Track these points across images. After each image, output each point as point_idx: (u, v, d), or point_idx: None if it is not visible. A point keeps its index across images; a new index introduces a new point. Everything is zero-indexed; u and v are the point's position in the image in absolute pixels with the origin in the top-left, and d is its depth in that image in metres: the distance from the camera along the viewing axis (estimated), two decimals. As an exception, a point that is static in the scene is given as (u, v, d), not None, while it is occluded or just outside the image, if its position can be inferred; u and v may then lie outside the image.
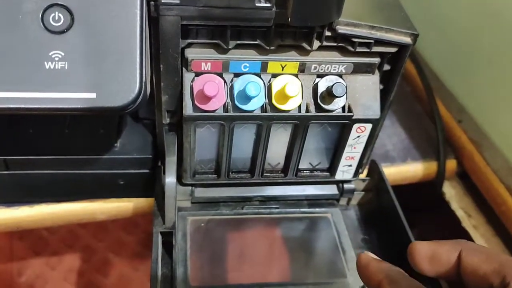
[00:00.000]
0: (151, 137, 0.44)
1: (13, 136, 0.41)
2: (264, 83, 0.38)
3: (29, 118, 0.42)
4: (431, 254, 0.31)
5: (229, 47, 0.36)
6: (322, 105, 0.39)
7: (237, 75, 0.38)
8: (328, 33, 0.36)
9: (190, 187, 0.44)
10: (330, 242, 0.43)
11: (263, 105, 0.38)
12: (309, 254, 0.42)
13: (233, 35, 0.36)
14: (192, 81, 0.37)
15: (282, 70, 0.38)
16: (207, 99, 0.37)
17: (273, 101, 0.38)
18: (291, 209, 0.45)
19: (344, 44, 0.37)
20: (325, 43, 0.37)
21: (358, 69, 0.39)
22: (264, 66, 0.37)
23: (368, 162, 0.46)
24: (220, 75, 0.37)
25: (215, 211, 0.44)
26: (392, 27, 0.37)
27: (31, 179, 0.42)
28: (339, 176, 0.44)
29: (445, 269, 0.30)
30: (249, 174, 0.43)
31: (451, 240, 0.31)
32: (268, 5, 0.33)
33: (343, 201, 0.47)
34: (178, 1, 0.32)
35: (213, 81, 0.36)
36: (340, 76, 0.39)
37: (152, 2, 0.32)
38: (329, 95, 0.38)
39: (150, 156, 0.42)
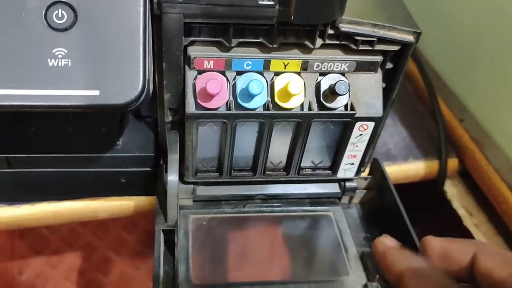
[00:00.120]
0: (153, 135, 0.44)
1: (15, 134, 0.41)
2: (266, 81, 0.38)
3: (31, 116, 0.42)
4: (444, 251, 0.30)
5: (232, 45, 0.36)
6: (325, 103, 0.38)
7: (239, 73, 0.38)
8: (330, 31, 0.36)
9: (192, 186, 0.44)
10: (332, 241, 0.43)
11: (265, 103, 0.38)
12: (311, 252, 0.42)
13: (236, 33, 0.36)
14: (194, 79, 0.37)
15: (285, 68, 0.38)
16: (210, 97, 0.37)
17: (276, 99, 0.38)
18: (293, 207, 0.45)
19: (346, 42, 0.37)
20: (327, 41, 0.37)
21: (361, 67, 0.39)
22: (266, 64, 0.37)
23: (370, 160, 0.46)
24: (223, 73, 0.37)
25: (217, 210, 0.44)
26: (395, 25, 0.37)
27: (33, 177, 0.42)
28: (341, 174, 0.44)
29: (457, 267, 0.30)
30: (251, 173, 0.43)
31: (464, 239, 0.30)
32: (271, 3, 0.33)
33: (345, 199, 0.47)
34: (181, -1, 0.32)
35: (216, 79, 0.36)
36: (343, 74, 0.39)
37: (155, 0, 0.32)
38: (332, 93, 0.38)
39: (152, 154, 0.42)
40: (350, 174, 0.45)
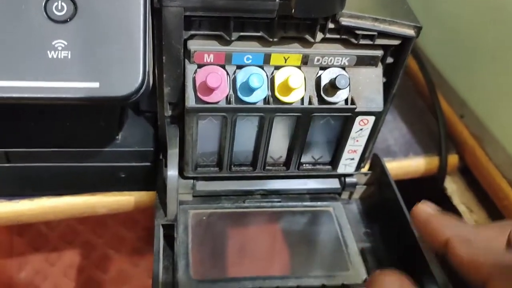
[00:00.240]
0: (153, 130, 0.43)
1: (14, 129, 0.41)
2: (267, 75, 0.38)
3: (30, 111, 0.42)
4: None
5: (232, 38, 0.36)
6: (325, 97, 0.38)
7: (239, 67, 0.37)
8: (331, 25, 0.36)
9: (191, 181, 0.43)
10: (332, 236, 0.43)
11: (265, 97, 0.38)
12: (311, 247, 0.42)
13: (236, 26, 0.36)
14: (194, 72, 0.37)
15: (285, 62, 0.38)
16: (210, 90, 0.36)
17: (276, 93, 0.38)
18: (293, 202, 0.45)
19: (347, 36, 0.37)
20: (328, 35, 0.37)
21: (361, 61, 0.38)
22: (267, 58, 0.37)
23: (370, 156, 0.46)
24: (223, 67, 0.37)
25: (217, 205, 0.44)
26: (396, 20, 0.37)
27: (32, 171, 0.42)
28: (341, 169, 0.44)
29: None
30: (251, 168, 0.43)
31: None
32: (272, -4, 0.33)
33: (345, 195, 0.46)
34: (181, -8, 0.32)
35: (216, 73, 0.36)
36: (343, 68, 0.39)
37: (155, -7, 0.32)
38: (332, 87, 0.38)
39: (152, 149, 0.42)
40: (350, 169, 0.45)
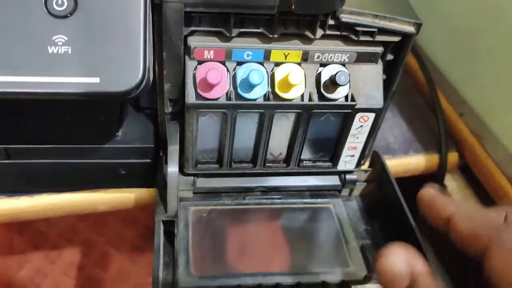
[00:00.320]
0: (153, 126, 0.43)
1: (14, 125, 0.41)
2: (267, 71, 0.38)
3: (30, 107, 0.42)
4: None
5: (232, 35, 0.36)
6: (325, 94, 0.38)
7: (240, 63, 0.37)
8: (331, 22, 0.36)
9: (192, 177, 0.44)
10: (332, 233, 0.43)
11: (266, 94, 0.38)
12: (311, 244, 0.42)
13: (236, 23, 0.36)
14: (194, 69, 0.37)
15: (285, 58, 0.38)
16: (210, 87, 0.36)
17: (276, 90, 0.38)
18: (293, 199, 0.45)
19: (347, 33, 0.37)
20: (328, 32, 0.37)
21: (361, 58, 0.39)
22: (267, 55, 0.37)
23: (370, 153, 0.46)
24: (223, 63, 0.37)
25: (217, 201, 0.44)
26: (396, 16, 0.37)
27: (32, 168, 0.42)
28: (341, 166, 0.44)
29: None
30: (251, 164, 0.43)
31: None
32: (272, -8, 0.33)
33: (345, 191, 0.46)
34: (181, -13, 0.32)
35: (216, 69, 0.36)
36: (343, 65, 0.39)
37: (155, -12, 0.32)
38: (332, 83, 0.38)
39: (152, 145, 0.42)
40: (351, 166, 0.45)
